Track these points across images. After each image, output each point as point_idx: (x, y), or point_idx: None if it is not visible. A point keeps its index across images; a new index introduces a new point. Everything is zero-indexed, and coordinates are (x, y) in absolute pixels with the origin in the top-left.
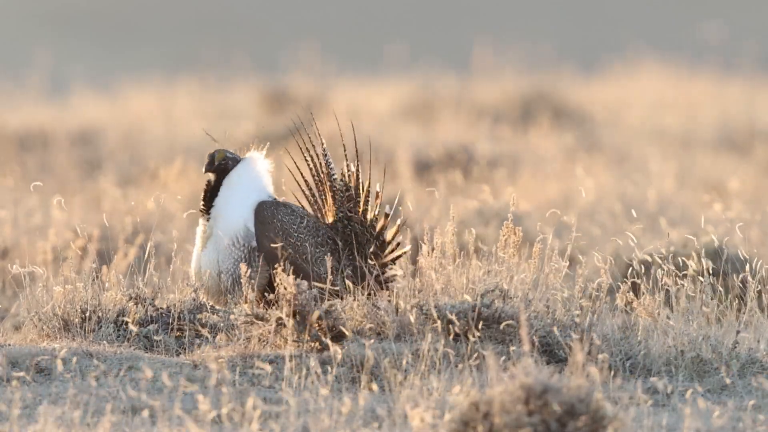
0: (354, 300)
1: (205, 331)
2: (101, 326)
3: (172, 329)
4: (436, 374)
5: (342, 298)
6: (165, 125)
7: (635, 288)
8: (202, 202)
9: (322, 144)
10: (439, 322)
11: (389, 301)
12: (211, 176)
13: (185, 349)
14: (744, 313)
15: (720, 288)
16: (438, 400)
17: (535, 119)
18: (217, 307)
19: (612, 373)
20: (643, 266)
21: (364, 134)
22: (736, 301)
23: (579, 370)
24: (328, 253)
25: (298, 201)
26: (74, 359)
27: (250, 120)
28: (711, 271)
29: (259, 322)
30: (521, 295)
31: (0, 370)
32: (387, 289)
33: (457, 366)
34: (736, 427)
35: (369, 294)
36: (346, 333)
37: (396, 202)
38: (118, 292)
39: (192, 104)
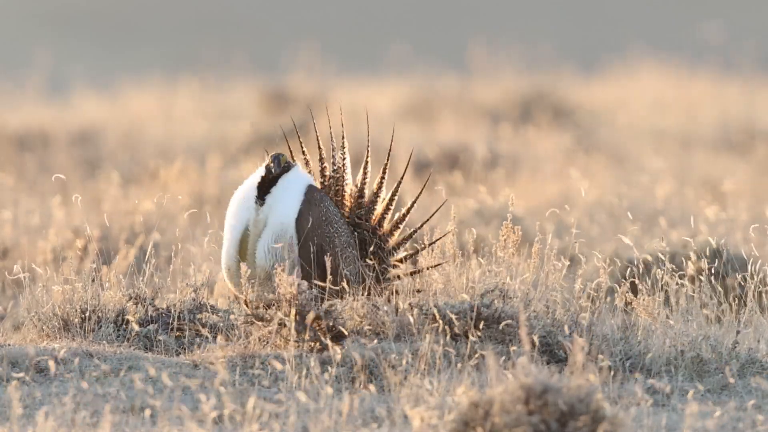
0: (354, 300)
1: (205, 331)
2: (101, 326)
3: (172, 329)
4: (436, 374)
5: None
6: (165, 125)
7: (634, 288)
8: (256, 193)
9: (337, 148)
10: (439, 322)
11: (389, 300)
12: (259, 172)
13: (185, 349)
14: (744, 314)
15: (720, 288)
16: (438, 400)
17: (534, 119)
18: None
19: (612, 373)
20: (642, 266)
21: (364, 135)
22: (736, 302)
23: (579, 370)
24: (353, 256)
25: None
26: (74, 359)
27: (249, 120)
28: (710, 271)
29: (259, 323)
30: (521, 295)
31: (0, 370)
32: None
33: (457, 366)
34: (736, 427)
35: (369, 294)
36: (346, 333)
37: (396, 201)
38: (118, 292)
39: (192, 104)
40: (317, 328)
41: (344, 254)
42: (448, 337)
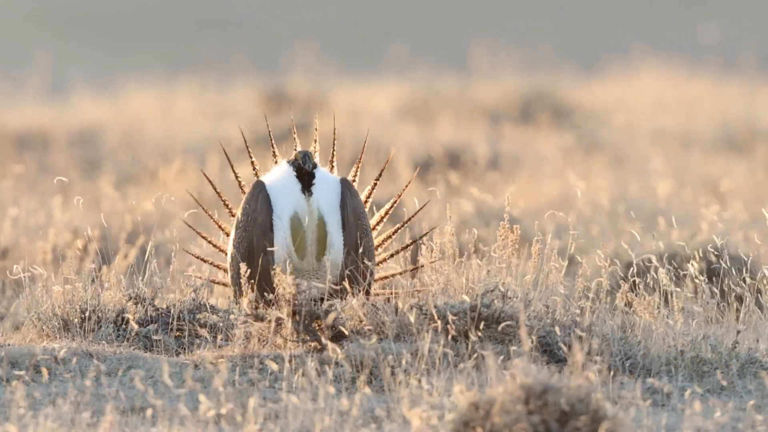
0: (354, 299)
1: (204, 331)
2: (101, 326)
3: (171, 329)
4: (435, 374)
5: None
6: (165, 125)
7: (634, 288)
8: (301, 184)
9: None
10: (439, 322)
11: (389, 300)
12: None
13: (185, 349)
14: (744, 314)
15: (717, 288)
16: (438, 400)
17: (534, 119)
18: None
19: (612, 373)
20: (642, 266)
21: (364, 135)
22: (736, 302)
23: (579, 370)
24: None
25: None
26: (74, 359)
27: (249, 120)
28: (710, 272)
29: (258, 323)
30: (521, 296)
31: (0, 370)
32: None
33: (456, 366)
34: (736, 427)
35: (368, 294)
36: (346, 333)
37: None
38: (118, 292)
39: (192, 104)
40: (317, 327)
41: (366, 246)
42: (448, 337)
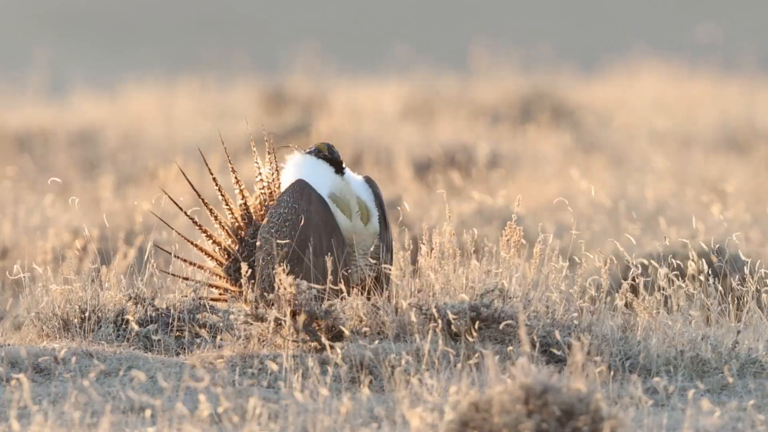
0: (354, 299)
1: (204, 332)
2: (101, 326)
3: (171, 329)
4: (435, 374)
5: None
6: (165, 125)
7: (634, 288)
8: (334, 168)
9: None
10: (438, 321)
11: (389, 300)
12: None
13: (185, 349)
14: (745, 314)
15: (717, 288)
16: (438, 400)
17: (534, 119)
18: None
19: (612, 373)
20: (642, 266)
21: (364, 135)
22: (735, 302)
23: (579, 370)
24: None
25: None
26: (74, 359)
27: (249, 120)
28: (710, 272)
29: (258, 323)
30: (521, 295)
31: (0, 370)
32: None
33: (456, 366)
34: (736, 427)
35: (369, 294)
36: (346, 333)
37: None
38: (118, 293)
39: (192, 104)
40: (317, 327)
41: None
42: (447, 337)
